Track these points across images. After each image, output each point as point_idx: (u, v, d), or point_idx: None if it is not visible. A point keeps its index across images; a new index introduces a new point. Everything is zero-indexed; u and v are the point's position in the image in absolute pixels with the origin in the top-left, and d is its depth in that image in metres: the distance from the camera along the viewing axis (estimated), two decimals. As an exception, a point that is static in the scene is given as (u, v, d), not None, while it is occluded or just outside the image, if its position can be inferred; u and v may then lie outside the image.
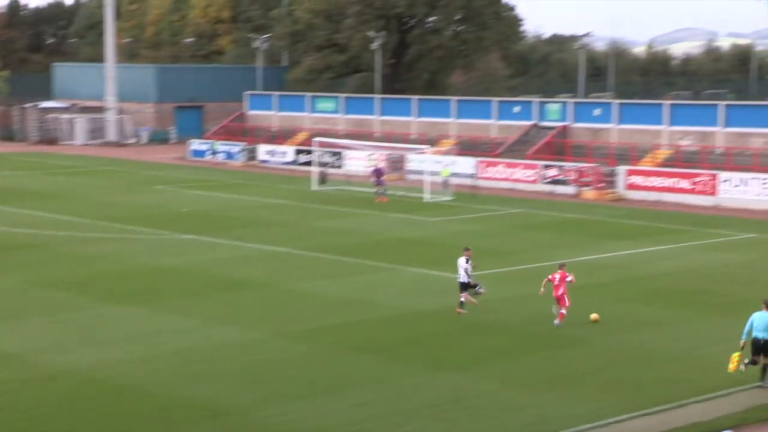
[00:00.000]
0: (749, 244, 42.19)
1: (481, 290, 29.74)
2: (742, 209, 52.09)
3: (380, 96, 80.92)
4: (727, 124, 61.18)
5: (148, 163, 75.53)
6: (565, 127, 67.58)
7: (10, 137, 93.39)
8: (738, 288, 33.17)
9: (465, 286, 29.37)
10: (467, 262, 29.39)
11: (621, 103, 68.59)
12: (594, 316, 28.65)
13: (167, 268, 35.76)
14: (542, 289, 28.57)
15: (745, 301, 31.17)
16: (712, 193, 54.29)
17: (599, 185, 57.82)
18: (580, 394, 22.31)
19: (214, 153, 76.92)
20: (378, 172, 55.72)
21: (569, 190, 59.03)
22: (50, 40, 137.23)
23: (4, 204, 51.01)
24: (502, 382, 23.17)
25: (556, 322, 27.94)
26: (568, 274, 28.16)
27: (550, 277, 28.43)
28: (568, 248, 40.45)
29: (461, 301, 29.27)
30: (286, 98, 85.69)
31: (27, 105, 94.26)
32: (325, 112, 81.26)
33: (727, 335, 27.23)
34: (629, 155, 62.22)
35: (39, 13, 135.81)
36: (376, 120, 77.68)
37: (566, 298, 27.95)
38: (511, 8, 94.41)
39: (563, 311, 27.92)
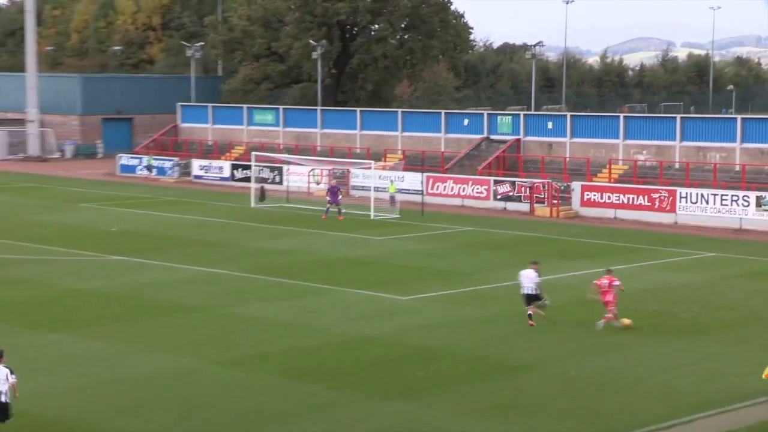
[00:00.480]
0: (709, 263, 42.72)
1: (547, 302, 31.49)
2: (701, 227, 52.76)
3: (322, 108, 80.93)
4: (685, 138, 62.05)
5: (74, 179, 74.70)
6: (517, 141, 68.08)
7: None
8: (698, 310, 33.52)
9: (531, 299, 30.98)
10: (537, 275, 31.13)
11: (575, 116, 69.30)
12: (626, 321, 30.40)
13: (94, 292, 35.31)
14: (591, 295, 31.06)
15: (705, 324, 31.56)
16: (671, 210, 54.94)
17: (553, 202, 58.26)
18: (536, 423, 22.37)
19: (150, 169, 76.16)
20: (334, 191, 55.50)
21: (522, 206, 59.40)
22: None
23: None
24: (453, 410, 23.16)
25: (600, 323, 30.26)
26: (615, 279, 30.60)
27: (597, 282, 30.76)
28: (522, 268, 40.53)
29: (529, 314, 30.90)
30: (221, 110, 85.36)
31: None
32: (264, 124, 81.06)
33: (686, 359, 27.52)
34: (584, 170, 62.81)
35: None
36: (317, 133, 77.65)
37: (613, 303, 30.39)
38: (460, 16, 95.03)
39: (609, 315, 30.29)
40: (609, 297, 30.43)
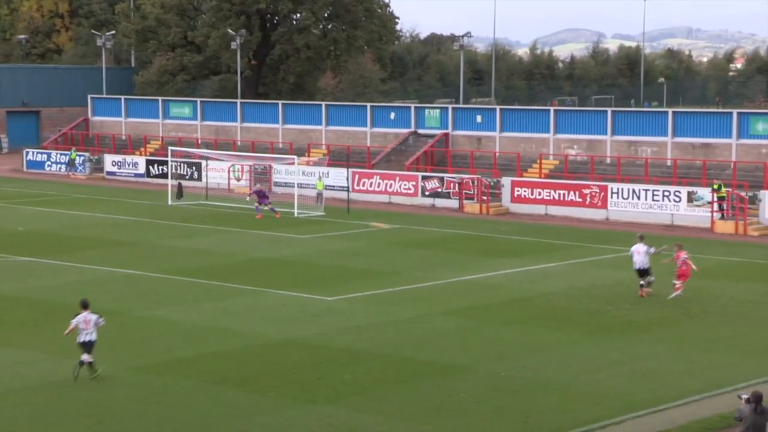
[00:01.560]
0: (642, 261, 43.36)
1: (652, 278, 34.86)
2: (633, 223, 53.56)
3: (242, 101, 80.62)
4: (616, 132, 62.95)
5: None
6: (445, 135, 68.50)
7: None
8: (631, 308, 34.08)
9: (642, 273, 34.74)
10: (649, 248, 34.61)
11: (504, 109, 69.92)
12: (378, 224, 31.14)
13: (0, 295, 34.81)
14: (666, 260, 35.10)
15: (637, 322, 32.10)
16: (603, 206, 55.71)
17: (483, 198, 58.72)
18: (466, 425, 22.58)
19: (72, 164, 74.97)
20: (261, 194, 55.18)
21: (451, 203, 59.78)
22: None
23: None
24: (380, 414, 23.29)
25: (675, 294, 34.13)
26: (684, 251, 34.56)
27: (675, 255, 34.43)
28: (451, 266, 40.96)
29: (641, 284, 34.83)
30: (135, 102, 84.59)
31: None
32: (181, 118, 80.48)
33: (620, 358, 27.97)
34: (514, 165, 63.42)
35: None
36: (237, 127, 77.32)
37: (687, 274, 34.26)
38: (385, 5, 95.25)
39: (679, 284, 34.27)
40: (684, 268, 34.26)
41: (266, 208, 54.24)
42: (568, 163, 62.47)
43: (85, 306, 26.10)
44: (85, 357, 25.48)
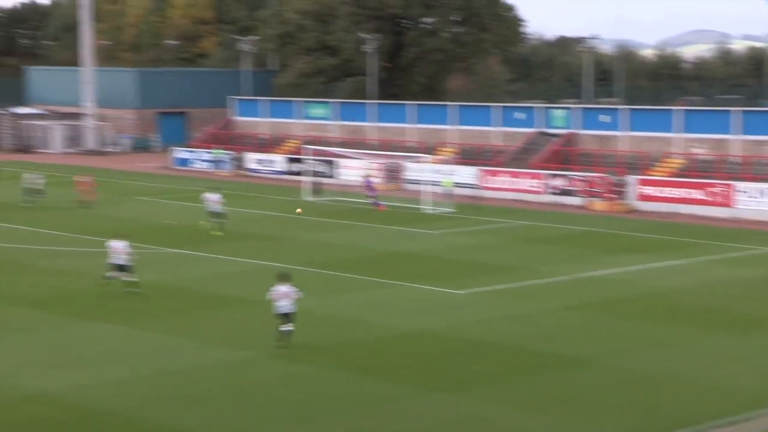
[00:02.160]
0: (768, 258, 42.19)
1: None
2: (760, 221, 52.09)
3: (375, 102, 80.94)
4: (743, 132, 61.23)
5: (129, 172, 75.40)
6: (571, 135, 67.63)
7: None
8: (757, 305, 33.10)
9: None
10: None
11: (630, 109, 68.65)
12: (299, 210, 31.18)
13: (149, 284, 35.58)
14: None
15: (762, 319, 31.15)
16: (728, 205, 54.30)
17: (609, 196, 57.82)
18: (594, 418, 22.21)
19: (218, 162, 76.48)
20: (368, 185, 56.06)
21: (577, 201, 59.03)
22: (24, 43, 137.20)
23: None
24: (507, 404, 23.08)
25: None
26: None
27: None
28: (577, 262, 40.41)
29: None
30: (275, 104, 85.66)
31: (0, 111, 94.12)
32: (317, 118, 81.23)
33: (743, 355, 27.20)
34: (640, 164, 62.27)
35: (12, 15, 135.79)
36: (370, 127, 77.67)
37: None
38: (512, 9, 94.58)
39: None
40: None
41: (371, 199, 54.48)
42: (694, 161, 61.03)
43: (283, 279, 27.37)
44: (286, 327, 27.00)
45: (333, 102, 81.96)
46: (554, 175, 61.19)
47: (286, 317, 27.17)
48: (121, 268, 33.66)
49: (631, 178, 58.43)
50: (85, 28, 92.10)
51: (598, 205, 57.70)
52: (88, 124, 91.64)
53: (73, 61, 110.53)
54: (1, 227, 48.09)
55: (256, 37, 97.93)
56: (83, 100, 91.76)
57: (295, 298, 27.32)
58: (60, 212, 54.23)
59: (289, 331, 27.14)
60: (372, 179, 58.45)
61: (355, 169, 66.95)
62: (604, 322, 30.75)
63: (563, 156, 66.56)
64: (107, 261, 34.17)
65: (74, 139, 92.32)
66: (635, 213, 56.31)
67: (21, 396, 23.37)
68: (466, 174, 63.33)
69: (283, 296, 27.18)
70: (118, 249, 33.74)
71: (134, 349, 27.40)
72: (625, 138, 65.61)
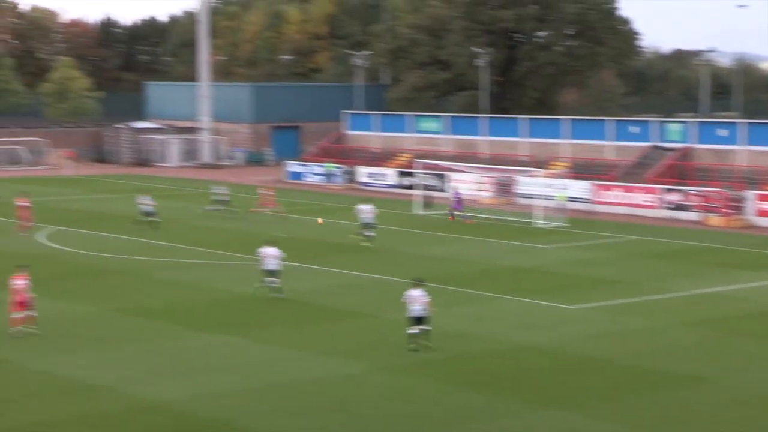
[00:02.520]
0: None
1: None
2: None
3: (487, 115, 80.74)
4: None
5: (244, 185, 76.54)
6: (687, 149, 66.46)
7: (102, 159, 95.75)
8: None
9: None
10: None
11: (749, 123, 67.17)
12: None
13: (263, 296, 36.08)
14: None
15: None
16: None
17: (726, 211, 56.65)
18: (707, 438, 21.78)
19: (330, 176, 77.27)
20: (458, 197, 56.94)
21: (693, 216, 57.99)
22: (143, 59, 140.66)
23: (95, 228, 52.22)
24: (618, 422, 22.76)
25: None
26: None
27: None
28: (692, 278, 39.68)
29: None
30: (387, 118, 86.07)
31: (119, 125, 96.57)
32: (429, 132, 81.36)
33: None
34: (759, 179, 60.85)
35: (132, 31, 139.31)
36: (482, 141, 77.50)
37: None
38: (628, 22, 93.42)
39: None
40: None
41: (459, 213, 55.29)
42: (815, 176, 59.43)
43: (417, 283, 28.90)
44: (414, 330, 28.38)
45: (445, 116, 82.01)
46: (669, 190, 60.18)
47: (418, 321, 28.45)
48: (271, 273, 35.18)
49: (749, 193, 57.15)
50: (202, 44, 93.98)
51: (715, 220, 56.58)
52: (204, 138, 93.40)
53: (190, 76, 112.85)
54: (123, 239, 49.25)
55: (369, 52, 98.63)
56: (199, 114, 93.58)
57: (426, 302, 28.56)
58: (176, 224, 55.29)
59: (425, 332, 28.51)
60: (461, 193, 58.53)
61: (466, 183, 66.84)
62: (719, 340, 30.13)
63: (679, 170, 65.41)
64: (260, 268, 35.55)
65: (190, 152, 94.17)
66: (753, 229, 55.04)
67: (137, 406, 23.90)
68: (579, 188, 62.71)
69: (415, 300, 28.51)
70: (269, 255, 35.37)
71: (247, 360, 27.79)
72: (743, 152, 64.22)
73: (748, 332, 31.17)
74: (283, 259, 35.86)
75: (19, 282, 30.00)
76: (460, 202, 56.81)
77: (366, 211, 48.15)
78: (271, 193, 59.55)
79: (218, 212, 58.40)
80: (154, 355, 28.23)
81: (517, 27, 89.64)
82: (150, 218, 52.09)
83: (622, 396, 24.77)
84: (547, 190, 61.17)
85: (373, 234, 47.81)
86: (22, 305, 29.88)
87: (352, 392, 24.97)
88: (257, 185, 69.58)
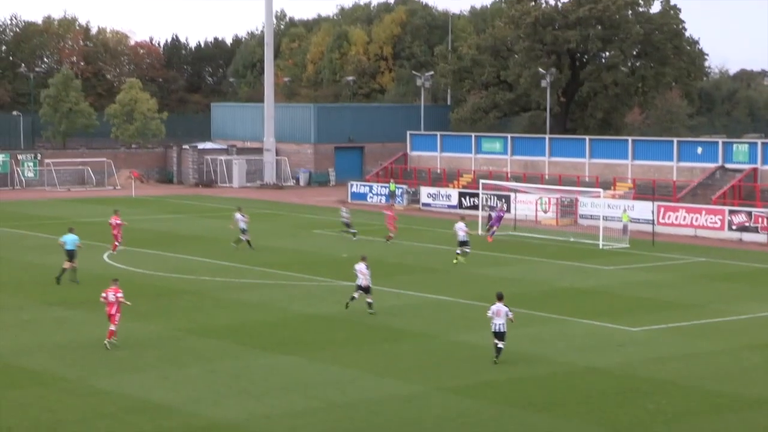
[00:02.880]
0: None
1: None
2: None
3: (550, 136, 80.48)
4: None
5: (307, 206, 77.03)
6: (754, 170, 65.66)
7: (167, 179, 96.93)
8: None
9: None
10: None
11: (816, 143, 66.24)
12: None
13: (325, 316, 36.28)
14: None
15: None
16: None
17: (793, 233, 55.84)
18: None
19: (393, 196, 77.37)
20: (500, 216, 57.53)
21: (760, 237, 57.25)
22: (209, 80, 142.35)
23: (161, 248, 52.85)
24: (684, 446, 22.53)
25: None
26: None
27: None
28: (759, 301, 39.16)
29: None
30: (450, 138, 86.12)
31: (185, 146, 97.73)
32: (492, 152, 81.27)
33: None
34: (827, 200, 59.96)
35: (198, 52, 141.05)
36: (546, 161, 77.23)
37: None
38: (695, 42, 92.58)
39: None
40: None
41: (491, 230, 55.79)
42: None
43: (500, 298, 29.92)
44: (500, 344, 29.40)
45: (508, 136, 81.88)
46: (735, 212, 59.50)
47: (500, 336, 29.50)
48: (364, 288, 36.53)
49: (818, 215, 56.29)
50: (267, 65, 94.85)
51: (782, 242, 55.78)
52: (268, 158, 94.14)
53: (254, 97, 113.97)
54: (188, 259, 49.77)
55: (433, 73, 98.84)
56: (264, 135, 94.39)
57: (510, 317, 29.58)
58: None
59: (499, 349, 29.44)
60: (503, 212, 58.66)
61: (529, 204, 66.63)
62: (787, 364, 29.71)
63: (745, 192, 64.65)
64: (355, 282, 36.78)
65: (254, 173, 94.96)
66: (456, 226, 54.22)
67: (200, 425, 24.13)
68: (643, 209, 62.22)
69: (497, 314, 29.56)
70: (363, 270, 36.62)
71: (308, 380, 27.94)
72: (811, 173, 63.30)
73: (815, 356, 30.69)
74: (370, 275, 36.85)
75: (109, 295, 31.66)
76: (499, 220, 56.84)
77: (461, 228, 49.01)
78: (393, 215, 57.39)
79: (347, 234, 57.23)
80: (216, 375, 28.48)
81: (581, 47, 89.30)
82: (245, 236, 52.32)
83: (688, 419, 24.52)
84: (610, 210, 60.78)
85: (468, 250, 48.79)
86: (110, 318, 31.46)
87: (413, 413, 24.99)
88: (379, 210, 70.01)
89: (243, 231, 52.51)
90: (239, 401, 25.89)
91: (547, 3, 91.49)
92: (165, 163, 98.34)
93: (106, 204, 76.48)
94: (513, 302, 38.51)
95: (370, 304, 36.35)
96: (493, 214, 58.06)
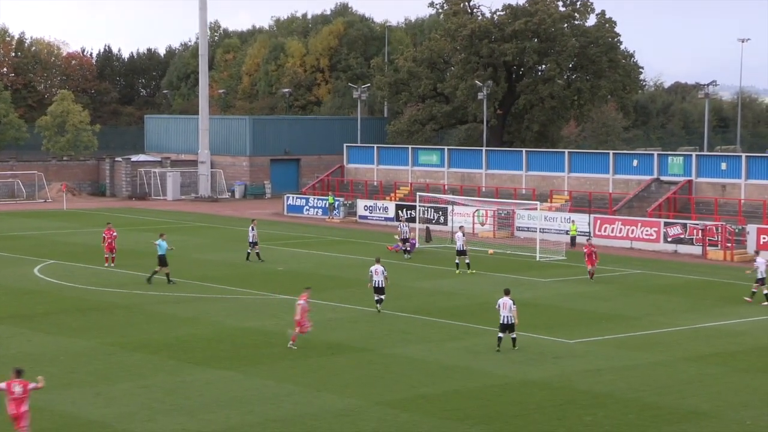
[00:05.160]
0: None
1: None
2: None
3: (487, 148, 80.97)
4: None
5: (243, 219, 76.58)
6: (689, 182, 66.61)
7: (100, 192, 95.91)
8: None
9: None
10: None
11: (750, 157, 67.35)
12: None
13: (261, 330, 36.08)
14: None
15: None
16: None
17: (727, 245, 56.68)
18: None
19: (333, 208, 76.95)
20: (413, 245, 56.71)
21: (695, 249, 58.03)
22: (142, 92, 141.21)
23: (92, 262, 52.19)
24: (621, 458, 22.68)
25: None
26: None
27: None
28: (694, 312, 39.67)
29: None
30: (386, 151, 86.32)
31: (117, 159, 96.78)
32: (429, 165, 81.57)
33: None
34: (760, 213, 60.93)
35: (131, 64, 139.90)
36: (483, 174, 77.68)
37: None
38: (630, 55, 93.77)
39: None
40: None
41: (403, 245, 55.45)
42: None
43: (507, 293, 32.78)
44: (501, 335, 32.50)
45: (445, 149, 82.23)
46: (670, 224, 60.27)
47: (509, 328, 32.42)
48: (379, 290, 39.03)
49: (751, 227, 57.20)
50: (202, 77, 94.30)
51: (716, 254, 56.59)
52: (202, 171, 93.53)
53: (189, 109, 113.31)
54: (120, 272, 49.24)
55: (369, 85, 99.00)
56: (198, 147, 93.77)
57: (515, 309, 32.40)
58: (173, 258, 55.34)
59: (513, 339, 32.59)
60: (415, 242, 57.84)
61: (466, 216, 66.94)
62: (721, 375, 30.07)
63: (680, 204, 65.55)
64: (369, 285, 39.14)
65: (188, 186, 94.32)
66: (754, 262, 54.96)
67: (132, 439, 23.83)
68: (579, 222, 62.81)
69: (503, 307, 32.32)
70: (378, 272, 39.04)
71: (243, 395, 27.73)
72: (744, 186, 64.34)
73: (749, 367, 31.11)
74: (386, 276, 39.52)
75: (301, 302, 33.05)
76: (413, 247, 56.28)
77: (461, 239, 50.34)
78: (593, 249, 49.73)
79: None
80: (149, 391, 28.15)
81: (517, 60, 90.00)
82: (255, 249, 52.90)
83: (625, 431, 24.68)
84: (546, 223, 61.27)
85: (467, 260, 50.03)
86: (298, 324, 32.94)
87: (349, 427, 24.89)
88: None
89: (253, 244, 53.10)
90: (173, 417, 25.62)
91: (483, 16, 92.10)
92: (98, 175, 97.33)
93: (36, 217, 75.44)
94: (450, 315, 38.75)
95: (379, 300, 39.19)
96: (411, 242, 56.96)
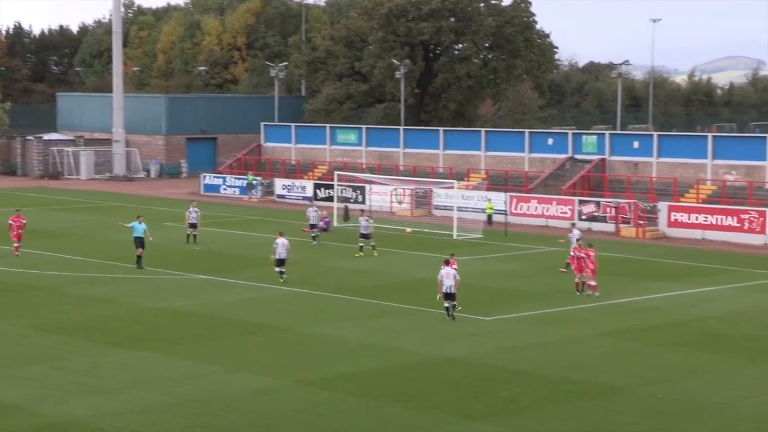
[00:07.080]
0: (802, 286, 41.80)
1: None
2: (794, 248, 51.63)
3: (405, 127, 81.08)
4: (777, 158, 60.85)
5: (158, 198, 75.79)
6: (602, 161, 67.45)
7: (11, 171, 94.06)
8: (791, 333, 32.79)
9: None
10: None
11: (661, 135, 68.44)
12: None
13: (178, 311, 35.74)
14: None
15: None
16: (761, 232, 53.90)
17: (639, 222, 57.56)
18: (622, 448, 22.03)
19: (251, 187, 76.28)
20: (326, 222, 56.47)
21: (607, 227, 58.81)
22: (54, 69, 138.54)
23: (2, 243, 51.20)
24: (537, 433, 22.93)
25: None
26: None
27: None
28: (607, 289, 40.16)
29: None
30: (304, 130, 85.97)
31: (29, 137, 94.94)
32: (347, 144, 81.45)
33: (780, 384, 26.91)
34: (671, 191, 61.98)
35: (43, 41, 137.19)
36: (400, 153, 77.78)
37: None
38: (545, 35, 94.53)
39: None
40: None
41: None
42: (726, 188, 60.69)
43: (447, 263, 33.94)
44: (447, 304, 33.88)
45: (363, 128, 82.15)
46: (584, 202, 60.99)
47: (451, 297, 33.54)
48: (281, 262, 40.76)
49: (662, 205, 58.15)
50: (116, 54, 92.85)
51: (628, 231, 57.43)
52: (117, 150, 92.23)
53: (103, 87, 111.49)
54: (33, 253, 48.37)
55: (287, 63, 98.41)
56: (113, 126, 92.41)
57: (457, 279, 33.60)
58: (88, 238, 54.51)
59: (451, 306, 33.81)
60: (329, 220, 57.70)
61: (384, 195, 67.00)
62: (635, 350, 30.54)
63: (594, 182, 66.37)
64: (272, 256, 41.02)
65: (103, 165, 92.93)
66: (666, 240, 55.99)
67: (45, 423, 23.45)
68: (496, 200, 63.27)
69: (446, 277, 33.32)
70: (281, 244, 40.95)
71: (160, 375, 27.45)
72: (656, 164, 65.36)
73: (662, 342, 31.64)
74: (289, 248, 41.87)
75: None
76: (328, 224, 56.36)
77: (365, 222, 49.37)
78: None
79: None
80: (63, 372, 27.72)
81: (434, 39, 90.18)
82: (194, 231, 51.85)
83: (541, 406, 24.95)
84: (464, 201, 61.60)
85: (372, 242, 49.26)
86: None
87: (268, 407, 24.78)
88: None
89: (193, 225, 51.78)
90: (87, 398, 25.25)
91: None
92: (8, 154, 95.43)
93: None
94: (367, 293, 38.77)
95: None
96: (325, 220, 56.74)
